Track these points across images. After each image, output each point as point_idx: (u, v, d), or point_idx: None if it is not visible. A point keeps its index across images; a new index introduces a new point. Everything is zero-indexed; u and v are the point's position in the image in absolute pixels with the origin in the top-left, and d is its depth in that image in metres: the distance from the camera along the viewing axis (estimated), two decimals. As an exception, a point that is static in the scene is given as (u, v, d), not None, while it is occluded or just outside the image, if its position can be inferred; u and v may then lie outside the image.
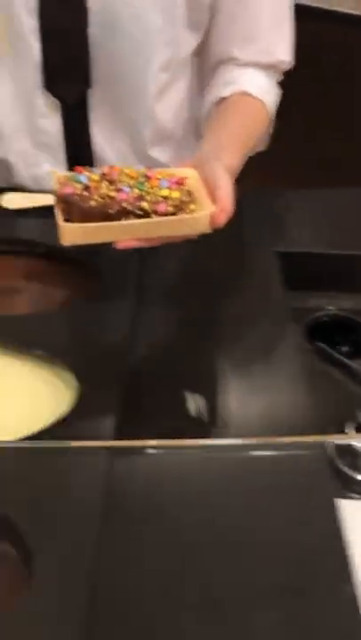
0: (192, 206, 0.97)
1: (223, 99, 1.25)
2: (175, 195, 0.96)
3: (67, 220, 0.96)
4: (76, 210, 0.95)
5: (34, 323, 1.05)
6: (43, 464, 0.83)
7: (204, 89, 1.30)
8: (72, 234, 0.94)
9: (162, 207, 0.95)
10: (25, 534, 0.74)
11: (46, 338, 1.00)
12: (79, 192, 0.95)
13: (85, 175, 0.98)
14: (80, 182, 0.97)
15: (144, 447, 0.85)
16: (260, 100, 1.25)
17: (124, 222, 0.94)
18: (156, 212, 0.95)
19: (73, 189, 0.96)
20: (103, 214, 0.94)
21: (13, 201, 1.01)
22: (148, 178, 0.98)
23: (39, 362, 0.97)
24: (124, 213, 0.94)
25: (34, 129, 1.24)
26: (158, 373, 0.98)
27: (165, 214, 0.95)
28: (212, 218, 0.96)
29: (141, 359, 0.99)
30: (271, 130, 1.30)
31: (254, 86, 1.25)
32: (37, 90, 1.21)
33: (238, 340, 1.05)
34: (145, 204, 0.95)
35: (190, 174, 1.02)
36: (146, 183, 0.97)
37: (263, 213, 1.29)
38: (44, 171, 1.27)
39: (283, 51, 1.28)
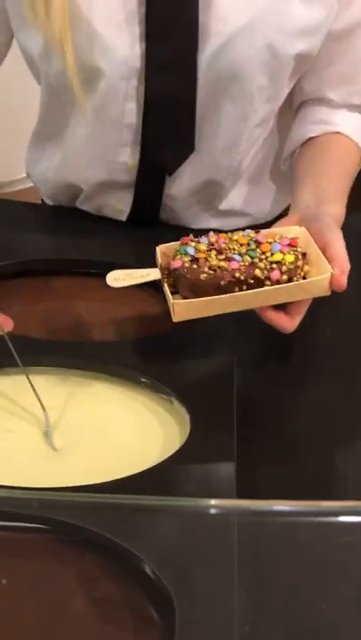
0: (306, 268, 0.94)
1: (312, 138, 1.19)
2: (289, 259, 0.92)
3: (173, 293, 0.93)
4: (185, 283, 0.92)
5: (135, 349, 1.02)
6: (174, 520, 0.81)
7: (284, 126, 1.25)
8: (184, 310, 0.92)
9: (275, 274, 0.91)
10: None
11: (151, 365, 0.97)
12: (188, 265, 0.92)
13: (192, 247, 0.94)
14: (187, 254, 0.93)
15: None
16: (354, 141, 1.19)
17: (237, 294, 0.91)
18: (269, 279, 0.91)
19: (182, 263, 0.93)
20: (214, 286, 0.91)
21: (119, 279, 1.00)
22: (258, 243, 0.94)
23: (145, 390, 0.95)
24: (236, 283, 0.91)
25: (110, 181, 1.21)
26: (269, 408, 0.95)
27: (279, 281, 0.91)
28: (333, 280, 0.92)
29: (252, 393, 0.96)
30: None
31: (349, 127, 1.19)
32: (123, 149, 1.17)
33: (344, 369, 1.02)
34: (258, 273, 0.91)
35: (299, 232, 0.97)
36: (257, 249, 0.93)
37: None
38: (109, 203, 1.25)
39: None
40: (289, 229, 0.98)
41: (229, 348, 1.01)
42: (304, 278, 0.93)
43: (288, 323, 0.95)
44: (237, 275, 0.90)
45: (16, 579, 0.74)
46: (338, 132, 1.19)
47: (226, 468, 0.85)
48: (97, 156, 1.20)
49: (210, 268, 0.91)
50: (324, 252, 0.95)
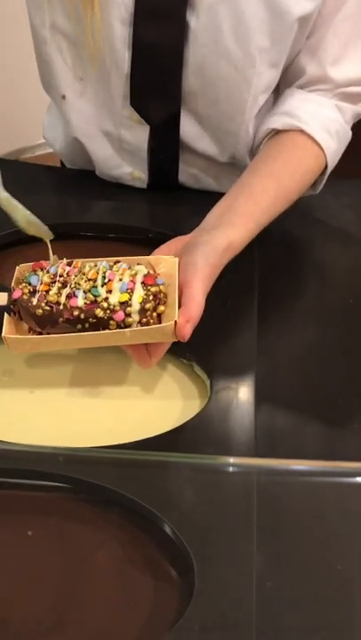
0: (161, 308, 0.87)
1: (276, 131, 1.13)
2: (138, 299, 0.86)
3: (21, 320, 0.89)
4: (25, 315, 0.88)
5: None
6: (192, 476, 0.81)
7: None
8: (17, 344, 0.87)
9: (119, 315, 0.85)
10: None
11: None
12: (27, 297, 0.87)
13: (37, 277, 0.88)
14: (30, 284, 0.88)
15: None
16: (318, 145, 1.10)
17: (72, 335, 0.86)
18: (113, 320, 0.85)
19: (21, 293, 0.88)
20: (52, 322, 0.86)
21: None
22: (108, 280, 0.87)
23: (166, 354, 0.92)
24: (76, 321, 0.86)
25: (118, 137, 1.21)
26: (291, 371, 0.95)
27: (124, 321, 0.85)
28: (177, 329, 0.85)
29: (272, 359, 0.96)
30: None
31: (315, 127, 1.10)
32: (122, 101, 1.16)
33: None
34: (99, 312, 0.85)
35: (169, 265, 0.91)
36: (103, 287, 0.87)
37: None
38: (126, 172, 1.24)
39: None
40: (160, 259, 0.92)
41: (251, 313, 1.01)
42: (159, 318, 0.87)
43: (146, 362, 0.90)
44: (76, 313, 0.86)
45: (41, 535, 0.76)
46: (303, 131, 1.11)
47: (246, 432, 0.86)
48: (107, 114, 1.19)
49: (47, 303, 0.86)
50: (181, 292, 0.89)
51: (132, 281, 0.87)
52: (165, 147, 1.20)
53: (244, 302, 1.04)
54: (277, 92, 1.17)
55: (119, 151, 1.23)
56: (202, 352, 0.95)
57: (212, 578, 0.71)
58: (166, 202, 1.22)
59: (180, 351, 0.95)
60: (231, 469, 0.81)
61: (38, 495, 0.79)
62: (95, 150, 1.24)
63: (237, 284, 1.05)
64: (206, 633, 0.67)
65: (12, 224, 0.90)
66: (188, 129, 1.18)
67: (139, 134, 1.19)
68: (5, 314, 0.89)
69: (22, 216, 0.90)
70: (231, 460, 0.81)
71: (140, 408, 0.92)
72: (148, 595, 0.71)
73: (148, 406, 0.92)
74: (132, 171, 1.24)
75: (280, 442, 0.86)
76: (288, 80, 1.16)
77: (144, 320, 0.86)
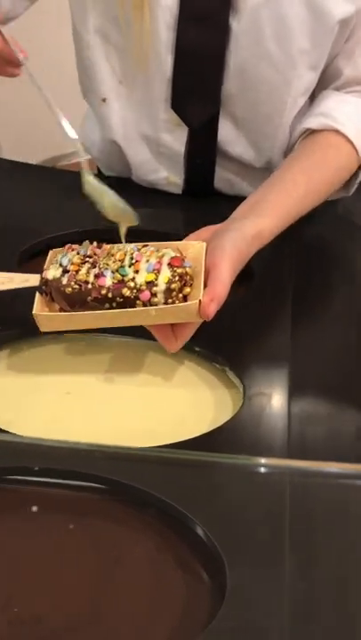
0: (187, 290, 0.89)
1: (311, 131, 1.13)
2: (163, 279, 0.88)
3: (53, 301, 0.91)
4: (56, 294, 0.90)
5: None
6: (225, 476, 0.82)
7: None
8: (47, 322, 0.90)
9: (145, 295, 0.87)
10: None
11: (205, 334, 0.94)
12: (57, 277, 0.90)
13: (68, 258, 0.91)
14: (61, 265, 0.91)
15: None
16: (351, 144, 1.11)
17: (98, 312, 0.88)
18: (139, 299, 0.88)
19: (52, 274, 0.91)
20: (81, 301, 0.89)
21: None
22: (135, 261, 0.89)
23: (198, 359, 0.96)
24: (105, 300, 0.88)
25: (156, 141, 1.22)
26: (325, 376, 0.95)
27: (150, 301, 0.87)
28: (201, 307, 0.86)
29: (306, 364, 0.96)
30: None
31: (350, 128, 1.11)
32: (163, 104, 1.17)
33: None
34: (126, 292, 0.88)
35: (196, 249, 0.92)
36: (130, 267, 0.88)
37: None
38: (162, 176, 1.26)
39: None
40: (188, 245, 0.94)
41: (285, 318, 1.02)
42: (185, 300, 0.89)
43: (171, 344, 0.91)
44: (104, 292, 0.88)
45: (75, 534, 0.76)
46: (337, 131, 1.11)
47: (279, 437, 0.86)
48: (147, 117, 1.20)
49: (77, 282, 0.89)
50: (207, 274, 0.90)
51: (158, 262, 0.89)
52: (203, 151, 1.21)
53: (278, 307, 1.04)
54: (313, 95, 1.18)
55: (156, 155, 1.23)
56: (235, 357, 0.95)
57: (243, 580, 0.71)
58: (201, 207, 1.23)
59: (213, 356, 0.95)
60: (263, 470, 0.81)
61: (73, 495, 0.80)
62: (133, 154, 1.25)
63: (271, 289, 1.05)
64: (238, 635, 0.67)
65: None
66: (226, 132, 1.19)
67: (177, 137, 1.20)
68: (37, 293, 0.92)
69: (109, 201, 0.93)
70: (263, 460, 0.82)
71: (173, 411, 0.92)
72: (180, 596, 0.71)
73: (182, 410, 0.92)
74: (167, 175, 1.25)
75: (314, 447, 0.86)
76: (325, 82, 1.17)
77: (170, 301, 0.88)
